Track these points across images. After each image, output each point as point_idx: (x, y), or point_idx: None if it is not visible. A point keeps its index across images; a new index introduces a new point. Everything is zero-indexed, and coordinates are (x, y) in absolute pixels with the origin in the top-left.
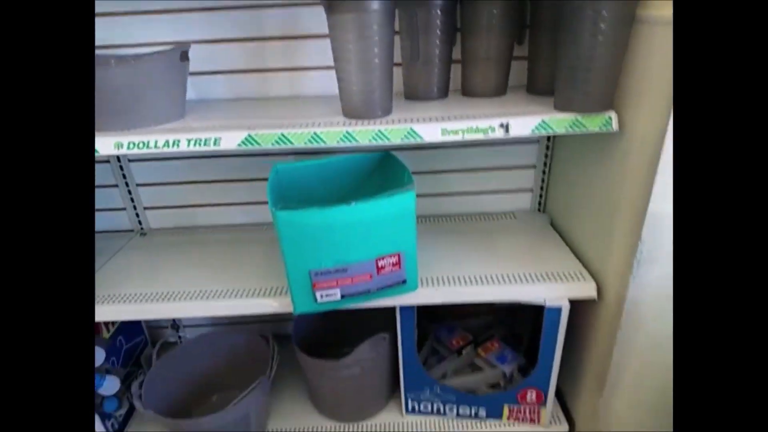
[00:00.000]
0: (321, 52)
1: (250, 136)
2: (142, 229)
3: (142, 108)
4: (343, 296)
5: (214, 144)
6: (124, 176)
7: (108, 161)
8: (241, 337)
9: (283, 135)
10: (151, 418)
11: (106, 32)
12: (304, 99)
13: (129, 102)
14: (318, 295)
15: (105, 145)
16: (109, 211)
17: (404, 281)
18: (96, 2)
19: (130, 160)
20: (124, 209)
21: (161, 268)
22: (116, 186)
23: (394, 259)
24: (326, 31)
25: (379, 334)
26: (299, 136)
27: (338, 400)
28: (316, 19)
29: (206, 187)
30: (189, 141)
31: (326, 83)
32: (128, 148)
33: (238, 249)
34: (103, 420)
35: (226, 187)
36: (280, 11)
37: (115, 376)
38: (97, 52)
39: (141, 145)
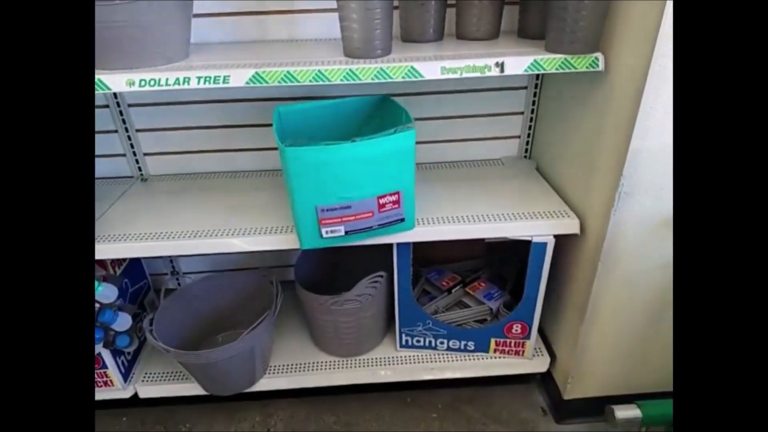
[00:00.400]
0: None
1: (257, 73)
2: (142, 175)
3: (150, 46)
4: (347, 232)
5: (224, 81)
6: (123, 121)
7: (107, 106)
8: (246, 278)
9: (288, 72)
10: (163, 351)
11: None
12: (303, 42)
13: (138, 39)
14: (324, 231)
15: (117, 82)
16: (109, 157)
17: (402, 219)
18: None
19: (129, 105)
20: (124, 155)
21: (164, 212)
22: (116, 131)
23: (394, 197)
24: None
25: (378, 272)
26: (304, 74)
27: (338, 335)
28: None
29: (205, 132)
30: (199, 78)
31: (324, 27)
32: (140, 85)
33: (239, 194)
34: (114, 356)
35: (226, 133)
36: None
37: (127, 314)
38: None
39: (152, 82)
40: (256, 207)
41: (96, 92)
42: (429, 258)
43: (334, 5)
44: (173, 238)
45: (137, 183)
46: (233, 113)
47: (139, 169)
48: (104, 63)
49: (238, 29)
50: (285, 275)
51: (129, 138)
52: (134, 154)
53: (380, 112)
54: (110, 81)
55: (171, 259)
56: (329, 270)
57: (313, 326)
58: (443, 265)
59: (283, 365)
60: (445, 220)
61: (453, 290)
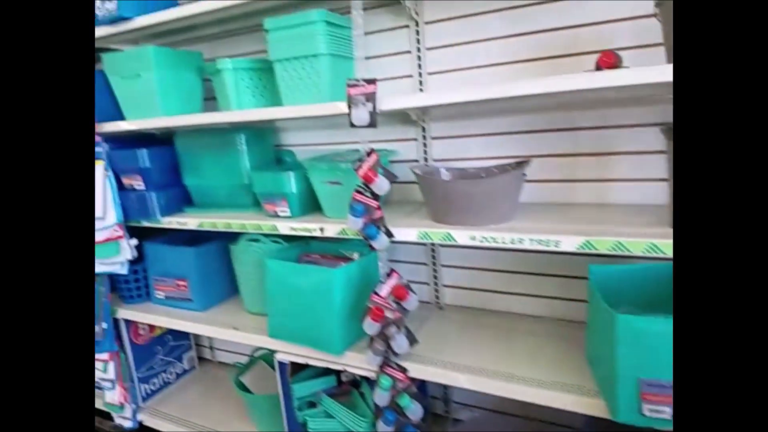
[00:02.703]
0: (630, 166)
1: (588, 241)
2: (438, 302)
3: (492, 210)
4: None
5: (555, 245)
6: (433, 258)
7: (424, 244)
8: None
9: (619, 242)
10: None
11: (445, 150)
12: (611, 207)
13: (484, 205)
14: (645, 408)
15: (462, 236)
16: (415, 283)
17: None
18: (437, 127)
19: (441, 245)
20: (427, 284)
21: (459, 341)
22: (425, 264)
23: None
24: (636, 148)
25: None
26: (635, 245)
27: None
28: (626, 138)
29: (501, 275)
30: (531, 240)
31: (633, 193)
32: (480, 240)
33: (533, 339)
34: None
35: (519, 277)
36: (593, 132)
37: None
38: (450, 165)
39: (491, 239)
40: (549, 357)
41: (425, 242)
42: None
43: (648, 175)
44: (459, 370)
45: (434, 309)
46: (525, 261)
47: (437, 297)
48: (452, 221)
49: (547, 192)
50: None
51: (435, 271)
52: (435, 284)
53: None
54: (457, 235)
55: (445, 387)
56: None
57: None
58: None
59: None
60: None
61: None
